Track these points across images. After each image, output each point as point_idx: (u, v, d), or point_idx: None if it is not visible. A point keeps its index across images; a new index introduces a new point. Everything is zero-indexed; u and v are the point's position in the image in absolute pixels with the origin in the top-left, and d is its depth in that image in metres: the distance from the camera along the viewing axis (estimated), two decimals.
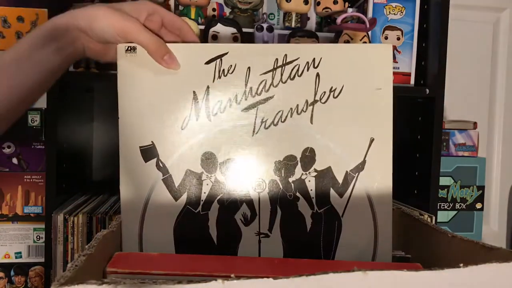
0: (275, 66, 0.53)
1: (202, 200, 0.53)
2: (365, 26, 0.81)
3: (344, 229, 0.53)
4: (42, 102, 1.02)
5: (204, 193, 0.53)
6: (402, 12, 0.86)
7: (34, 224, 1.01)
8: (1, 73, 0.50)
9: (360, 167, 0.53)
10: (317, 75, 0.53)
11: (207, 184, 0.53)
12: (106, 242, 0.44)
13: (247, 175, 0.53)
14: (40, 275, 1.03)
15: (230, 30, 0.78)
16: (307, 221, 0.53)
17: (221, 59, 0.53)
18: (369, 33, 0.83)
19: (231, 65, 0.53)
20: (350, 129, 0.53)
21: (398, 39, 0.86)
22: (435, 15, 0.84)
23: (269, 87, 0.53)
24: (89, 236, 0.74)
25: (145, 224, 0.52)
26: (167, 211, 0.52)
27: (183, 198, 0.53)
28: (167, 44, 0.52)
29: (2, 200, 0.99)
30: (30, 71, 0.51)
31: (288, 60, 0.53)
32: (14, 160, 1.01)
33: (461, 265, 0.33)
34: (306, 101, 0.53)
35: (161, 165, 0.53)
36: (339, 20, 0.82)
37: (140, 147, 0.53)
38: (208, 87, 0.53)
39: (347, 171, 0.53)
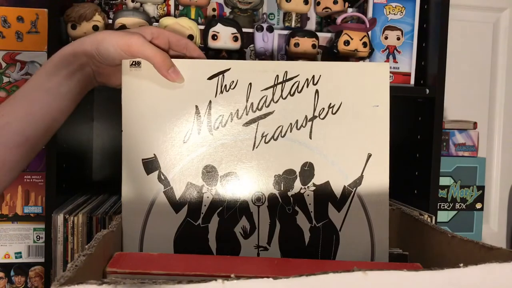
0: (275, 83, 0.54)
1: (202, 213, 0.54)
2: (365, 26, 0.81)
3: (341, 243, 0.54)
4: None
5: (205, 205, 0.53)
6: (402, 12, 0.86)
7: (34, 224, 1.01)
8: (20, 104, 0.51)
9: (358, 182, 0.54)
10: (316, 91, 0.54)
11: (208, 197, 0.53)
12: (106, 242, 0.44)
13: (247, 189, 0.54)
14: (40, 275, 1.03)
15: (230, 30, 0.78)
16: (305, 235, 0.54)
17: (223, 75, 0.54)
18: (369, 33, 0.83)
19: (233, 81, 0.54)
20: (348, 144, 0.54)
21: (398, 39, 0.86)
22: (435, 15, 0.84)
23: (270, 103, 0.54)
24: (89, 236, 0.74)
25: (146, 236, 0.53)
26: (167, 223, 0.53)
27: (184, 210, 0.53)
28: (174, 59, 0.54)
29: (2, 200, 0.99)
30: (44, 99, 0.52)
31: (288, 77, 0.54)
32: None
33: (461, 265, 0.33)
34: (306, 117, 0.54)
35: (162, 177, 0.53)
36: (339, 20, 0.82)
37: (142, 159, 0.54)
38: (210, 101, 0.54)
39: (345, 186, 0.54)
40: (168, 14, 0.85)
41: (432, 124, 0.84)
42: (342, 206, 0.54)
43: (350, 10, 0.88)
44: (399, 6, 0.85)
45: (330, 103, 0.54)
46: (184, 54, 0.59)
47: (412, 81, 0.86)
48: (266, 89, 0.54)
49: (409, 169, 0.91)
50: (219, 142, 0.54)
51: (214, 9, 0.89)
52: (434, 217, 0.81)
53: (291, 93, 0.54)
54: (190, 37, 0.77)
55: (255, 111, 0.54)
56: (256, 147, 0.54)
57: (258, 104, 0.54)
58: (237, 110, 0.54)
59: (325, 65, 0.55)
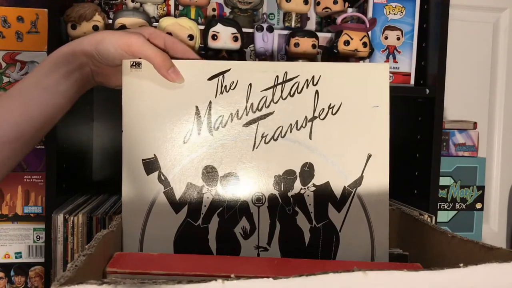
0: (275, 83, 0.54)
1: (202, 213, 0.54)
2: (365, 26, 0.81)
3: (341, 243, 0.54)
4: None
5: (205, 206, 0.53)
6: (402, 12, 0.86)
7: (34, 224, 1.01)
8: (16, 99, 0.51)
9: (358, 182, 0.54)
10: (316, 92, 0.54)
11: (208, 198, 0.53)
12: (106, 242, 0.44)
13: (247, 189, 0.54)
14: (40, 275, 1.03)
15: (230, 30, 0.78)
16: (305, 235, 0.54)
17: (224, 76, 0.54)
18: (369, 33, 0.83)
19: (233, 81, 0.54)
20: (348, 145, 0.54)
21: (398, 39, 0.86)
22: (435, 15, 0.84)
23: (270, 103, 0.54)
24: (89, 236, 0.74)
25: (146, 236, 0.53)
26: (167, 223, 0.53)
27: (184, 210, 0.53)
28: (175, 60, 0.54)
29: (2, 200, 0.99)
30: (41, 96, 0.52)
31: (288, 77, 0.54)
32: None
33: (461, 265, 0.33)
34: (306, 117, 0.54)
35: (163, 178, 0.53)
36: (339, 20, 0.82)
37: (142, 159, 0.54)
38: (210, 102, 0.54)
39: (344, 186, 0.54)
40: (168, 14, 0.85)
41: (432, 124, 0.84)
42: (342, 207, 0.54)
43: (350, 10, 0.88)
44: (399, 6, 0.85)
45: (330, 104, 0.54)
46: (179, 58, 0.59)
47: (412, 81, 0.87)
48: (266, 89, 0.54)
49: (409, 169, 0.91)
50: (219, 143, 0.54)
51: (214, 9, 0.89)
52: (434, 217, 0.81)
53: (291, 93, 0.54)
54: (190, 37, 0.77)
55: (255, 112, 0.54)
56: (256, 148, 0.54)
57: (258, 104, 0.54)
58: (237, 111, 0.54)
59: (325, 66, 0.55)
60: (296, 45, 0.79)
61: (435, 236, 0.51)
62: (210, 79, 0.54)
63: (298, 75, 0.54)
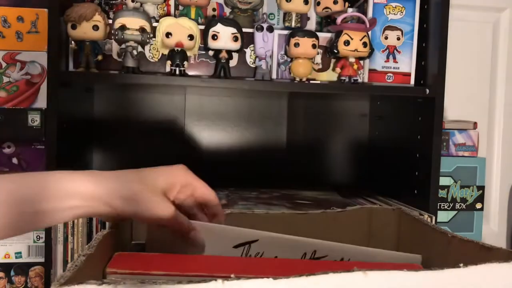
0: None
1: None
2: (365, 26, 0.81)
3: None
4: (42, 102, 1.02)
5: None
6: (402, 12, 0.86)
7: None
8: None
9: None
10: None
11: None
12: (106, 242, 0.44)
13: None
14: (40, 275, 1.03)
15: (230, 30, 0.78)
16: None
17: (250, 245, 0.51)
18: (369, 33, 0.83)
19: (258, 252, 0.51)
20: None
21: (398, 39, 0.86)
22: (435, 15, 0.84)
23: None
24: (89, 236, 0.74)
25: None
26: None
27: None
28: (202, 223, 0.49)
29: None
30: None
31: (316, 256, 0.52)
32: (14, 160, 1.01)
33: (461, 265, 0.33)
34: None
35: None
36: (339, 20, 0.82)
37: None
38: None
39: None
40: (168, 14, 0.85)
41: (432, 124, 0.84)
42: None
43: (350, 10, 0.88)
44: (399, 6, 0.85)
45: None
46: (204, 207, 0.53)
47: (412, 81, 0.87)
48: None
49: (409, 169, 0.91)
50: None
51: (214, 9, 0.89)
52: (434, 217, 0.81)
53: None
54: (190, 37, 0.77)
55: None
56: None
57: None
58: None
59: (356, 250, 0.52)
60: (296, 45, 0.79)
61: (435, 236, 0.51)
62: (236, 246, 0.51)
63: (327, 255, 0.51)
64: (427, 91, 0.83)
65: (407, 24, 0.86)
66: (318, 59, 0.85)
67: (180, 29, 0.76)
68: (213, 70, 0.82)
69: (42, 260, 1.00)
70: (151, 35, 0.77)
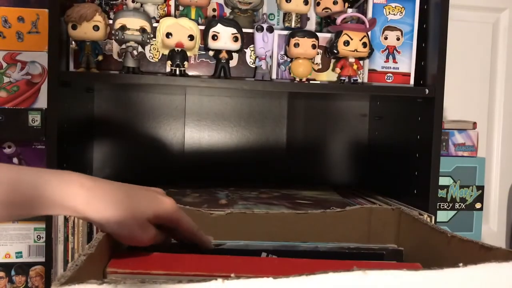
0: None
1: None
2: (365, 26, 0.81)
3: None
4: (42, 102, 1.03)
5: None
6: (401, 13, 0.86)
7: (34, 223, 1.01)
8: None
9: None
10: None
11: None
12: (106, 242, 0.44)
13: None
14: (40, 274, 1.03)
15: (230, 30, 0.78)
16: None
17: None
18: (369, 33, 0.83)
19: None
20: None
21: (398, 39, 0.86)
22: (435, 15, 0.84)
23: None
24: (90, 236, 0.74)
25: None
26: None
27: None
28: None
29: None
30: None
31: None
32: (14, 160, 1.01)
33: (461, 265, 0.33)
34: None
35: None
36: (339, 20, 0.82)
37: None
38: None
39: None
40: (168, 14, 0.85)
41: (432, 124, 0.84)
42: None
43: (350, 10, 0.88)
44: (398, 7, 0.85)
45: None
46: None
47: (412, 81, 0.87)
48: None
49: (409, 169, 0.91)
50: None
51: (214, 9, 0.89)
52: (433, 217, 0.81)
53: None
54: (191, 37, 0.77)
55: None
56: None
57: None
58: None
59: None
60: (296, 45, 0.79)
61: (435, 236, 0.51)
62: None
63: None
64: (427, 91, 0.83)
65: (407, 24, 0.86)
66: (318, 59, 0.85)
67: (180, 29, 0.76)
68: (213, 70, 0.82)
69: (42, 259, 1.00)
70: (151, 36, 0.77)
